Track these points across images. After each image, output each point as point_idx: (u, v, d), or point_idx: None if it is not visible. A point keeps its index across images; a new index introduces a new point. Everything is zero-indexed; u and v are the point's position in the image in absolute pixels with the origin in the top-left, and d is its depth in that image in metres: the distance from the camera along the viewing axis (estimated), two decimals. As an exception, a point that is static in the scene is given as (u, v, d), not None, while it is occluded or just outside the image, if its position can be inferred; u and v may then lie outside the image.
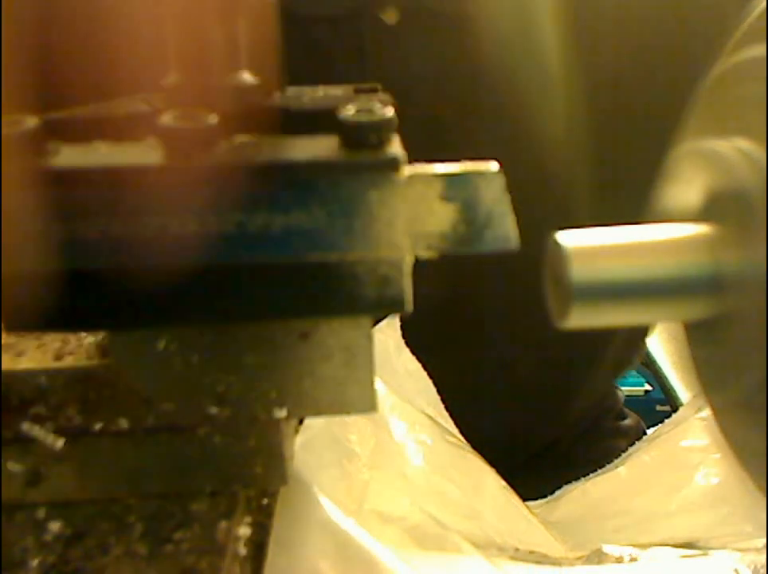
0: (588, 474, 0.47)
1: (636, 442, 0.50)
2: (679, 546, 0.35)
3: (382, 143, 0.20)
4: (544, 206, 0.49)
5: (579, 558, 0.35)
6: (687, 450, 0.41)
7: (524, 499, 0.41)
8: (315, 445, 0.33)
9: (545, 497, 0.46)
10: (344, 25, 0.52)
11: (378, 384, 0.23)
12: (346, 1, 0.52)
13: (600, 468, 0.47)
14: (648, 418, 0.67)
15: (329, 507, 0.27)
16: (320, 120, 0.21)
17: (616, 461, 0.46)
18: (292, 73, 0.25)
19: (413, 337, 0.45)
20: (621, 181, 0.57)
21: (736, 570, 0.32)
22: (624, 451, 0.52)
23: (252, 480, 0.24)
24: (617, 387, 0.75)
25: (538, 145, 0.55)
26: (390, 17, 0.51)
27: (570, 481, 0.48)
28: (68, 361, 0.23)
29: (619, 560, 0.34)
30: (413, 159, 0.20)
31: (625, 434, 0.70)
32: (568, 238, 0.20)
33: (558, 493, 0.45)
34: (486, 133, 0.53)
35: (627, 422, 0.72)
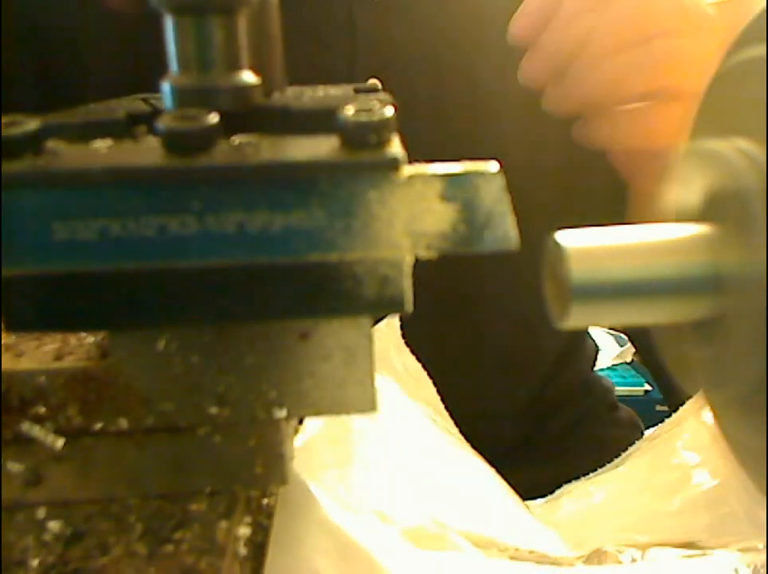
0: (584, 463, 0.48)
1: (635, 440, 0.50)
2: (679, 546, 0.35)
3: (382, 143, 0.20)
4: (520, 179, 0.49)
5: (579, 558, 0.35)
6: (687, 450, 0.41)
7: (524, 499, 0.41)
8: (315, 445, 0.33)
9: (543, 490, 0.46)
10: (335, 3, 0.54)
11: (378, 384, 0.23)
12: None
13: (595, 457, 0.48)
14: (648, 418, 0.67)
15: (329, 507, 0.27)
16: (320, 120, 0.21)
17: (616, 461, 0.46)
18: (285, 53, 0.25)
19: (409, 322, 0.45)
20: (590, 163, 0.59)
21: (736, 570, 0.32)
22: (619, 441, 0.52)
23: (252, 480, 0.24)
24: (605, 378, 0.76)
25: (508, 116, 0.56)
26: None
27: (566, 470, 0.48)
28: (68, 361, 0.23)
29: (619, 560, 0.34)
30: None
31: (619, 424, 0.71)
32: (568, 238, 0.20)
33: (558, 492, 0.45)
34: (457, 104, 0.56)
35: (620, 413, 0.73)
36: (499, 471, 0.41)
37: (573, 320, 0.20)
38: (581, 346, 0.73)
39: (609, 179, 0.62)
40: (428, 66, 0.55)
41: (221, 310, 0.21)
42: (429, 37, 0.55)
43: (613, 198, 0.64)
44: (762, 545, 0.33)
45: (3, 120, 0.19)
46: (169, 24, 0.21)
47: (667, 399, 0.72)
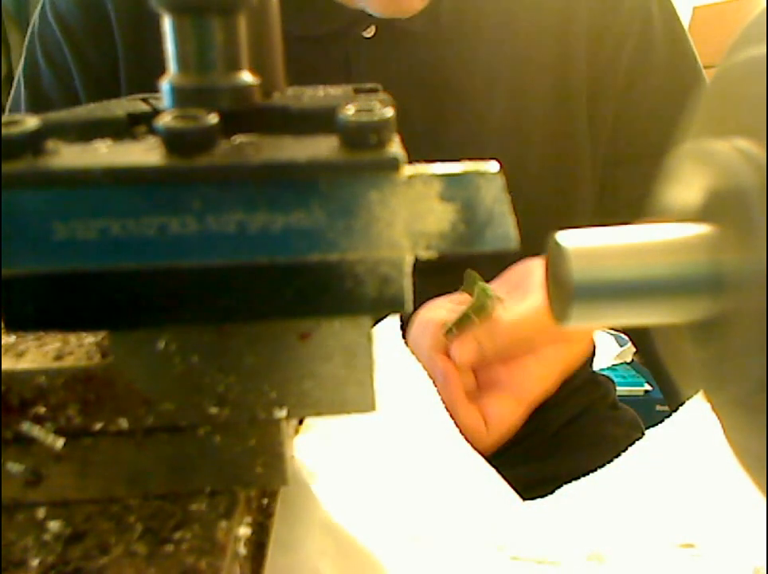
0: (584, 460, 0.48)
1: (636, 439, 0.50)
2: (679, 546, 0.35)
3: (382, 143, 0.20)
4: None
5: (579, 558, 0.35)
6: (687, 450, 0.41)
7: (524, 498, 0.41)
8: (316, 445, 0.33)
9: (543, 486, 0.46)
10: (331, 43, 0.59)
11: (378, 384, 0.23)
12: (333, 23, 0.59)
13: (596, 454, 0.48)
14: (648, 418, 0.67)
15: (329, 507, 0.27)
16: (320, 120, 0.21)
17: (616, 461, 0.46)
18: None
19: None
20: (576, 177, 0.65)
21: (736, 570, 0.32)
22: (619, 440, 0.53)
23: (252, 480, 0.24)
24: (605, 377, 0.77)
25: (496, 140, 0.62)
26: (368, 30, 0.59)
27: (566, 467, 0.49)
28: (68, 361, 0.23)
29: (620, 560, 0.34)
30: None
31: (620, 422, 0.71)
32: (568, 238, 0.20)
33: (558, 492, 0.46)
34: (449, 129, 0.61)
35: (621, 412, 0.73)
36: (498, 466, 0.41)
37: (573, 319, 0.20)
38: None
39: (593, 191, 0.65)
40: (420, 91, 0.60)
41: (221, 310, 0.21)
42: (420, 67, 0.60)
43: (595, 208, 0.66)
44: (762, 545, 0.33)
45: (3, 120, 0.19)
46: (168, 24, 0.21)
47: (667, 399, 0.72)
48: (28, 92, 0.63)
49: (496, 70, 0.61)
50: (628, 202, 0.66)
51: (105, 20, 0.60)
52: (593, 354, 0.78)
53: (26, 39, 0.64)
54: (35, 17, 0.64)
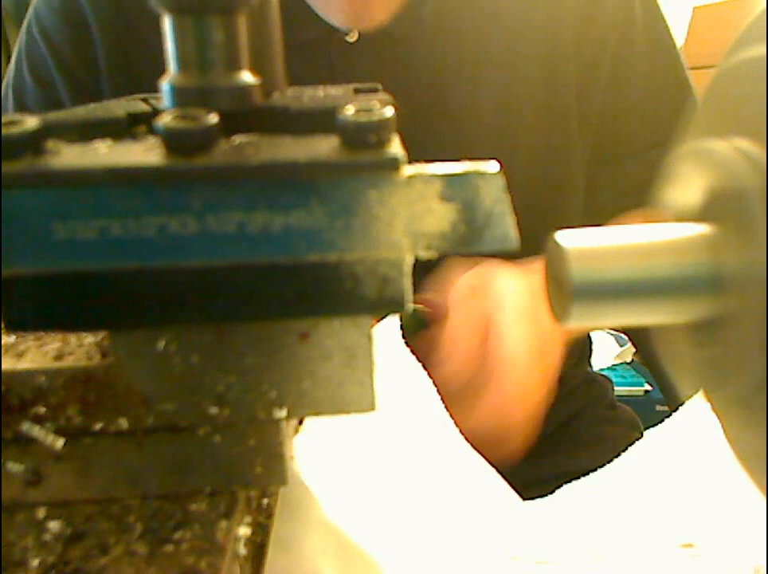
0: (582, 460, 0.48)
1: (634, 439, 0.50)
2: (679, 546, 0.35)
3: (382, 143, 0.20)
4: None
5: (579, 558, 0.35)
6: (686, 450, 0.41)
7: (524, 498, 0.41)
8: (316, 445, 0.33)
9: (542, 486, 0.46)
10: (314, 50, 0.60)
11: (378, 384, 0.23)
12: (315, 29, 0.59)
13: (594, 454, 0.48)
14: (648, 418, 0.67)
15: (328, 507, 0.27)
16: (320, 120, 0.21)
17: (616, 461, 0.46)
18: None
19: None
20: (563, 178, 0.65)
21: (736, 570, 0.32)
22: (617, 439, 0.53)
23: (252, 480, 0.24)
24: (603, 376, 0.77)
25: (484, 141, 0.62)
26: (351, 35, 0.60)
27: (564, 466, 0.49)
28: (68, 361, 0.23)
29: (619, 560, 0.34)
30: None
31: (618, 422, 0.71)
32: (568, 238, 0.20)
33: (557, 492, 0.46)
34: (435, 130, 0.61)
35: (619, 411, 0.73)
36: (496, 466, 0.41)
37: (573, 320, 0.20)
38: (575, 342, 0.73)
39: (579, 198, 0.65)
40: (405, 94, 0.60)
41: (221, 310, 0.21)
42: (405, 70, 0.60)
43: (583, 217, 0.66)
44: (762, 545, 0.33)
45: (3, 120, 0.19)
46: (168, 24, 0.21)
47: (667, 399, 0.72)
48: (14, 107, 0.63)
49: (482, 70, 0.61)
50: (609, 202, 0.66)
51: (88, 33, 0.60)
52: (591, 353, 0.78)
53: (14, 54, 0.64)
54: (22, 34, 0.63)
